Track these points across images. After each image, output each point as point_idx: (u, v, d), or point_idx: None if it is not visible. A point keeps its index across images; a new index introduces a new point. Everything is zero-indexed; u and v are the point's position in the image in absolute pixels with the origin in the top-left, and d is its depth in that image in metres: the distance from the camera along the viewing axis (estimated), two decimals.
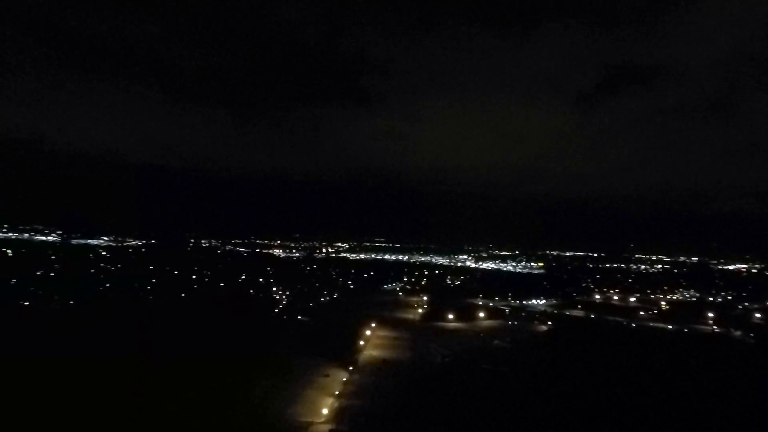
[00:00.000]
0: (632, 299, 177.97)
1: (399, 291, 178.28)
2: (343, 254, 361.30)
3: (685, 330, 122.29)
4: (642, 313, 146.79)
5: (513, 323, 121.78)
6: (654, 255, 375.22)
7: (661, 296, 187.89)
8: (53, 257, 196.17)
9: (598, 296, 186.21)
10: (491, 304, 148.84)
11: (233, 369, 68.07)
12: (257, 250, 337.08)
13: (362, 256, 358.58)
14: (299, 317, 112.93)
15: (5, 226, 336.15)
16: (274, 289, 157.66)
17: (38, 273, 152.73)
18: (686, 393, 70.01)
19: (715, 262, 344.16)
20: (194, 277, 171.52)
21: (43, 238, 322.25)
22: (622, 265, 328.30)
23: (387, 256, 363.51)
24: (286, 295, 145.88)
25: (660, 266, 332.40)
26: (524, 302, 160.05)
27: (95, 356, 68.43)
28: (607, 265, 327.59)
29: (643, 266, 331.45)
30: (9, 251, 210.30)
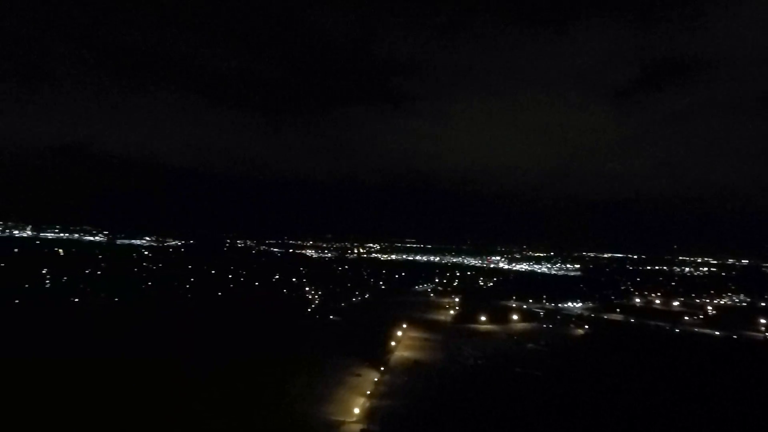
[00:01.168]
0: (676, 303, 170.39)
1: (430, 292, 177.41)
2: (374, 255, 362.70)
3: (734, 337, 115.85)
4: (686, 318, 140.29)
5: (547, 326, 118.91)
6: (699, 257, 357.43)
7: (708, 300, 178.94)
8: (100, 256, 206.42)
9: (638, 300, 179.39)
10: (525, 307, 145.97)
11: (267, 368, 69.31)
12: (290, 251, 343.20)
13: (393, 256, 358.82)
14: (331, 317, 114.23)
15: (57, 227, 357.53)
16: (307, 289, 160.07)
17: (87, 271, 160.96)
18: (734, 405, 66.29)
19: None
20: (230, 276, 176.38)
21: (91, 238, 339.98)
22: (665, 268, 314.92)
23: (418, 257, 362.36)
24: (319, 295, 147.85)
25: (706, 269, 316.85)
26: (559, 305, 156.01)
27: (136, 355, 70.37)
28: (648, 268, 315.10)
29: (687, 269, 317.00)
30: (61, 251, 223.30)
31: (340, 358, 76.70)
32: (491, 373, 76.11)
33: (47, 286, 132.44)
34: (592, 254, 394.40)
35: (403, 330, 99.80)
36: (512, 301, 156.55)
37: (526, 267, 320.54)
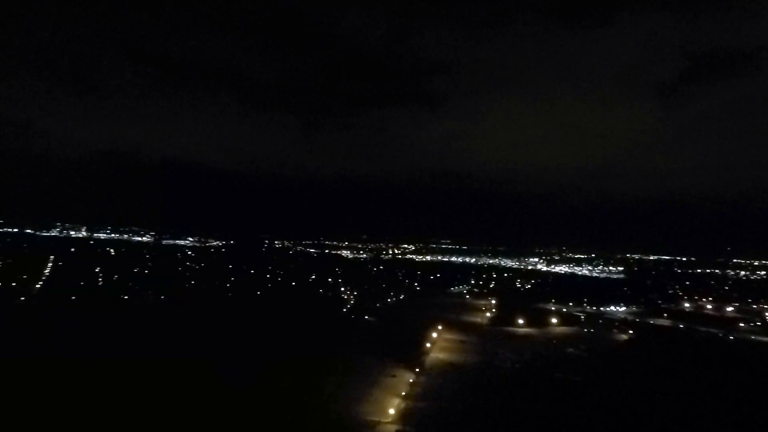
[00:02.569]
0: (730, 309, 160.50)
1: (466, 293, 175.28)
2: (409, 256, 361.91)
3: None
4: (742, 324, 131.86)
5: (589, 331, 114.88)
6: (756, 260, 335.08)
7: (766, 306, 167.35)
8: (147, 256, 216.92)
9: (687, 304, 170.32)
10: (564, 310, 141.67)
11: (302, 367, 70.26)
12: (326, 251, 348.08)
13: (428, 257, 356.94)
14: (366, 317, 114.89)
15: (108, 228, 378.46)
16: (342, 289, 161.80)
17: (135, 270, 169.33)
18: None
19: None
20: (268, 276, 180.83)
21: (139, 238, 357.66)
22: (717, 271, 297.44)
23: (454, 258, 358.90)
24: (354, 296, 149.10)
25: (764, 273, 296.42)
26: (602, 309, 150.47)
27: (177, 355, 71.99)
28: (699, 271, 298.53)
29: (742, 272, 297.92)
30: (112, 250, 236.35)
31: (374, 358, 76.96)
32: (529, 377, 74.30)
33: (100, 283, 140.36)
34: (636, 256, 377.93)
35: (438, 331, 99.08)
36: (551, 304, 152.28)
37: (566, 269, 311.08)
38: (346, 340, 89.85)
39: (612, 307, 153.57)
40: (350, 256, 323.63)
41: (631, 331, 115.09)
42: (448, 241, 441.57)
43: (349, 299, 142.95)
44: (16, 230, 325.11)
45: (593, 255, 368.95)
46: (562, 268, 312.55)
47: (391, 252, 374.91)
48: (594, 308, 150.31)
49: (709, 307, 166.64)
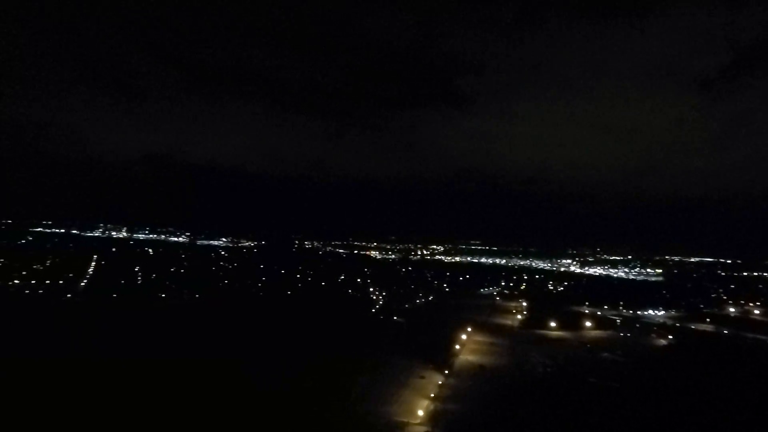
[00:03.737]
0: None
1: (496, 295, 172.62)
2: (438, 257, 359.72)
3: None
4: None
5: (625, 335, 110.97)
6: None
7: None
8: (183, 256, 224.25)
9: (733, 309, 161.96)
10: (599, 313, 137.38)
11: (331, 367, 70.96)
12: (355, 252, 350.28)
13: (458, 258, 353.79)
14: (395, 318, 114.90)
15: (147, 228, 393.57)
16: (371, 289, 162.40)
17: (171, 269, 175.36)
18: None
19: None
20: (298, 276, 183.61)
21: (176, 239, 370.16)
22: (765, 274, 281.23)
23: (483, 260, 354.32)
24: (383, 296, 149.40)
25: None
26: (639, 312, 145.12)
27: (210, 355, 73.66)
28: (745, 274, 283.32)
29: None
30: (150, 250, 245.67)
31: (403, 359, 76.89)
32: (562, 381, 72.44)
33: (139, 282, 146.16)
34: (676, 258, 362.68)
35: (468, 333, 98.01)
36: (585, 307, 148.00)
37: (600, 271, 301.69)
38: (374, 341, 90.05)
39: (650, 311, 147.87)
40: (379, 257, 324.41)
41: (671, 336, 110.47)
42: (478, 242, 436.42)
43: (377, 300, 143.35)
44: (63, 231, 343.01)
45: (629, 256, 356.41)
46: (596, 270, 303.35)
47: (419, 253, 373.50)
48: (630, 312, 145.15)
49: (756, 312, 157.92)
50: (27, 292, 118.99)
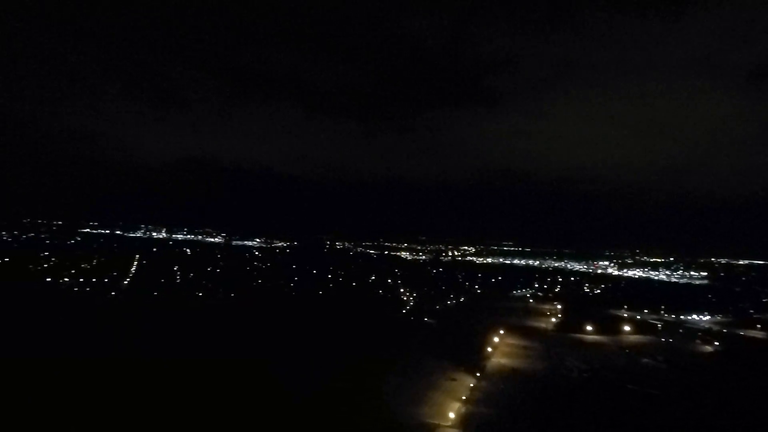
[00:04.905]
0: None
1: (529, 297, 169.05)
2: (469, 258, 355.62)
3: None
4: None
5: (667, 341, 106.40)
6: None
7: None
8: (218, 255, 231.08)
9: None
10: (639, 317, 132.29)
11: (362, 367, 71.47)
12: (385, 252, 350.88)
13: (489, 259, 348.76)
14: (426, 319, 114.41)
15: (185, 229, 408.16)
16: (401, 290, 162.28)
17: (208, 269, 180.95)
18: None
19: None
20: (329, 276, 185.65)
21: (212, 239, 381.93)
22: None
23: (516, 261, 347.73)
24: (413, 297, 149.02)
25: None
26: (682, 317, 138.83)
27: (241, 355, 74.73)
28: None
29: None
30: (188, 250, 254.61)
31: (434, 360, 76.50)
32: (599, 387, 70.16)
33: (177, 281, 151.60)
34: (723, 260, 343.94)
35: (500, 336, 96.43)
36: (623, 311, 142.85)
37: (640, 273, 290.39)
38: (405, 342, 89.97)
39: (694, 316, 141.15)
40: (409, 258, 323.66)
41: (717, 343, 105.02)
42: (510, 243, 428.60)
43: (408, 301, 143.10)
44: (107, 232, 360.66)
45: (672, 258, 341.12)
46: (635, 273, 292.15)
47: (450, 254, 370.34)
48: (673, 316, 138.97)
49: None
50: (75, 289, 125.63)
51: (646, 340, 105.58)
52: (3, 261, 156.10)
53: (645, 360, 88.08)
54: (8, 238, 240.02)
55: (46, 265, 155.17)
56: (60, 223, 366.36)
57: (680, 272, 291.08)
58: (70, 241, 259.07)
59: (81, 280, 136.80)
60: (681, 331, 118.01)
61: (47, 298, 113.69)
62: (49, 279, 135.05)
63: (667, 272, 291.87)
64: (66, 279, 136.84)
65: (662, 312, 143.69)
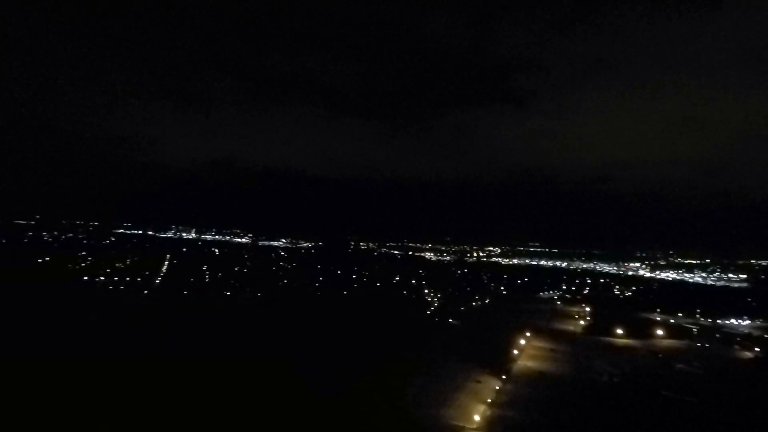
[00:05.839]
0: None
1: (557, 300, 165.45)
2: (494, 259, 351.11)
3: None
4: None
5: (703, 346, 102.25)
6: None
7: None
8: (246, 256, 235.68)
9: None
10: (672, 321, 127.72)
11: (386, 367, 71.44)
12: (409, 253, 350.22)
13: (515, 261, 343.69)
14: (450, 320, 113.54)
15: (213, 230, 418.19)
16: (426, 291, 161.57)
17: (235, 269, 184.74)
18: None
19: None
20: (354, 276, 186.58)
21: (239, 240, 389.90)
22: None
23: (543, 262, 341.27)
24: (437, 298, 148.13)
25: None
26: (719, 321, 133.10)
27: (265, 355, 75.31)
28: None
29: None
30: (216, 250, 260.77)
31: (459, 362, 75.81)
32: (630, 393, 68.02)
33: (206, 280, 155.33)
34: (764, 262, 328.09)
35: (527, 338, 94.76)
36: (656, 314, 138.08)
37: (674, 275, 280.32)
38: (430, 343, 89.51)
39: (732, 320, 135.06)
40: (433, 258, 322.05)
41: (758, 349, 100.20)
42: (537, 244, 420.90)
43: (432, 301, 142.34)
44: (140, 232, 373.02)
45: (708, 260, 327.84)
46: (669, 275, 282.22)
47: (475, 254, 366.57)
48: (709, 320, 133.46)
49: None
50: (110, 288, 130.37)
51: (680, 345, 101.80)
52: (44, 260, 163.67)
53: (680, 365, 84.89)
54: (49, 238, 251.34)
55: (83, 265, 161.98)
56: (96, 224, 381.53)
57: (717, 274, 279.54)
58: (105, 241, 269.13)
59: (115, 279, 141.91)
60: (718, 335, 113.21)
61: (84, 296, 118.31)
62: (86, 278, 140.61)
63: (703, 274, 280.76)
64: (101, 278, 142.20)
65: (698, 316, 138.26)
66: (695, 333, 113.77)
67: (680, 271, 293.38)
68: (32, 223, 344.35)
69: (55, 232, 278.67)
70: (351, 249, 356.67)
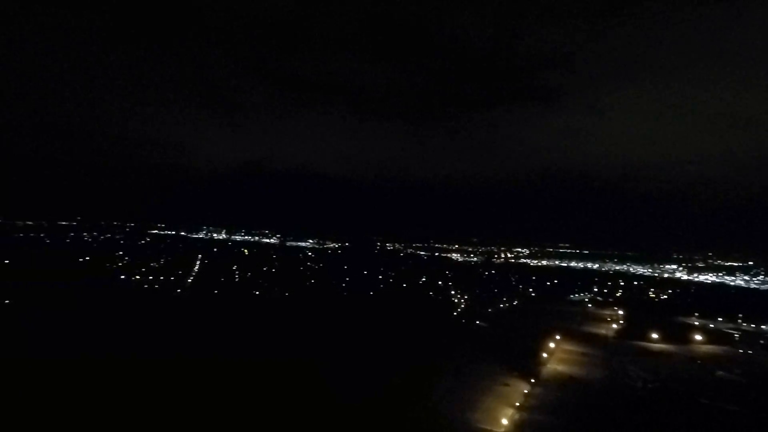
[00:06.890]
0: None
1: (588, 302, 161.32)
2: (523, 260, 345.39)
3: None
4: None
5: (745, 352, 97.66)
6: None
7: None
8: (274, 256, 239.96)
9: None
10: (712, 326, 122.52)
11: (412, 369, 71.11)
12: (436, 254, 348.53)
13: (544, 262, 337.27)
14: (477, 322, 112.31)
15: (243, 230, 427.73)
16: (453, 292, 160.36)
17: (264, 268, 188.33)
18: None
19: None
20: (380, 277, 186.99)
21: (268, 240, 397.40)
22: None
23: (573, 264, 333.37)
24: (464, 299, 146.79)
25: None
26: (763, 327, 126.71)
27: (290, 355, 76.00)
28: None
29: None
30: (245, 251, 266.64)
31: (486, 364, 74.91)
32: (666, 400, 65.56)
33: (236, 280, 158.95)
34: None
35: (556, 341, 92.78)
36: (694, 318, 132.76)
37: (713, 278, 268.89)
38: (457, 345, 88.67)
39: None
40: (460, 259, 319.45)
41: None
42: (567, 245, 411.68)
43: (459, 303, 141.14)
44: (173, 233, 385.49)
45: (751, 263, 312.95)
46: (707, 278, 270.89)
47: (503, 256, 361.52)
48: (752, 326, 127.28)
49: None
50: (146, 286, 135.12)
51: (720, 351, 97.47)
52: (85, 260, 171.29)
53: (720, 372, 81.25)
54: (89, 238, 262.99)
55: (120, 264, 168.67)
56: (132, 225, 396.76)
57: (761, 278, 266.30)
58: (140, 241, 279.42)
59: (150, 278, 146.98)
60: (762, 342, 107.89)
61: (121, 295, 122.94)
62: (122, 276, 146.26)
63: (746, 278, 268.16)
64: (137, 276, 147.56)
65: (740, 321, 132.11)
66: (737, 339, 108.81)
67: (720, 274, 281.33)
68: (74, 224, 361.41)
69: (95, 233, 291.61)
70: (377, 250, 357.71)
